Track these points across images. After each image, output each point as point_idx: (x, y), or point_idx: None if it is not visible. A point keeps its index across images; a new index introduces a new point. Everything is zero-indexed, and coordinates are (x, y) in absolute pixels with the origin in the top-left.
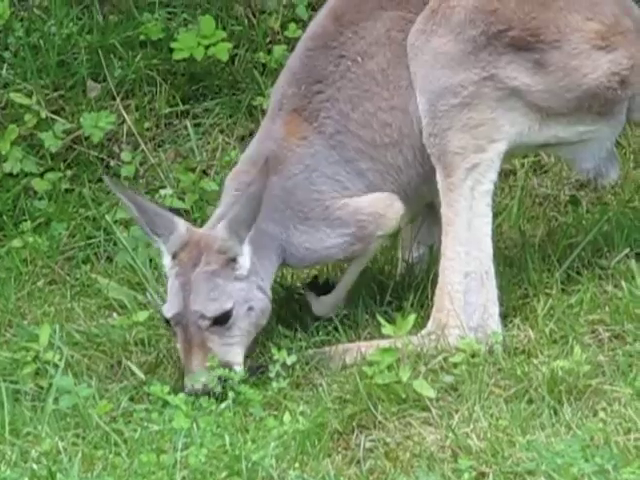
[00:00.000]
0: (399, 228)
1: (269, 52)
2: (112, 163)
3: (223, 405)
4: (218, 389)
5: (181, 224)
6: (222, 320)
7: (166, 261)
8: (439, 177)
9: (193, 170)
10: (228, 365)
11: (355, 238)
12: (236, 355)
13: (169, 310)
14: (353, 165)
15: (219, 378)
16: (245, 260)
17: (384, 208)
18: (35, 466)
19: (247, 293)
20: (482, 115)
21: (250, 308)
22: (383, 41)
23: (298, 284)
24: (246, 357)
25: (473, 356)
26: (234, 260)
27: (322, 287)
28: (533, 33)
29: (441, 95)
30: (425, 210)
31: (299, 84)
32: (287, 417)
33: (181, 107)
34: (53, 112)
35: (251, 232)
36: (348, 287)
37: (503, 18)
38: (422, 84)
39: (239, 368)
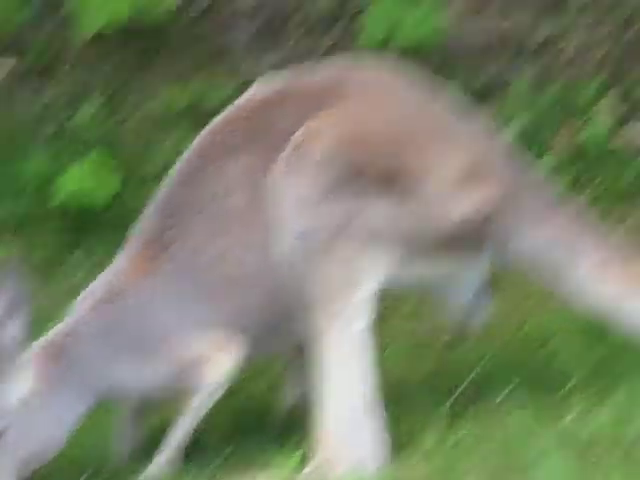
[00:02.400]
0: (232, 375)
1: None
2: None
3: None
4: None
5: None
6: None
7: None
8: (308, 319)
9: None
10: None
11: (173, 377)
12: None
13: None
14: (196, 302)
15: None
16: None
17: (215, 351)
18: None
19: None
20: (346, 256)
21: None
22: (243, 180)
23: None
24: None
25: None
26: None
27: None
28: (395, 172)
29: (302, 237)
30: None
31: (155, 217)
32: None
33: None
34: None
35: None
36: (176, 443)
37: (363, 157)
38: (283, 226)
39: None
